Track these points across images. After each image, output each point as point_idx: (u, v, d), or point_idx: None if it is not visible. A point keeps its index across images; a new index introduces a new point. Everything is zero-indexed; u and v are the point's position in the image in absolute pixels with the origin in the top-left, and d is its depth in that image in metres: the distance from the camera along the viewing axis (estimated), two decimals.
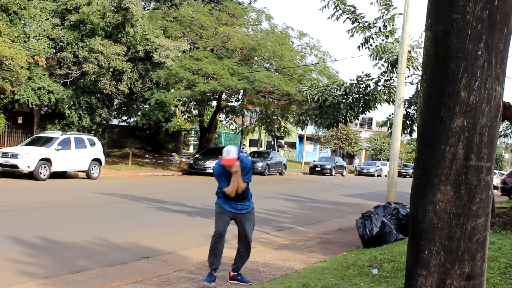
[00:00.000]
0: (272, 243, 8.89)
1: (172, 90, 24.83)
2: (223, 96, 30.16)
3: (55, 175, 19.16)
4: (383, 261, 6.56)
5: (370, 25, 12.01)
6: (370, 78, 12.47)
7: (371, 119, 64.52)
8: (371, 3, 11.85)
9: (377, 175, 41.64)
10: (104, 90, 23.37)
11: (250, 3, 32.13)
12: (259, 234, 9.61)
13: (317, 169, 37.11)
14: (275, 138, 44.24)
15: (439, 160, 1.01)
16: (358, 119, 14.64)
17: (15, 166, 17.64)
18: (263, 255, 7.61)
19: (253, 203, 6.05)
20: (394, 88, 12.03)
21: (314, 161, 41.82)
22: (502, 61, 1.00)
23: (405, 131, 12.57)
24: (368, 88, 12.50)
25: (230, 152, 5.60)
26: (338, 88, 12.65)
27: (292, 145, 55.26)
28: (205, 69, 23.92)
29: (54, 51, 23.86)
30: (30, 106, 22.10)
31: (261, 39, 27.38)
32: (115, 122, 30.57)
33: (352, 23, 12.04)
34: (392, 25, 12.00)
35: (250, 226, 5.95)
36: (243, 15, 29.09)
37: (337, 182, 29.22)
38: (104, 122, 26.22)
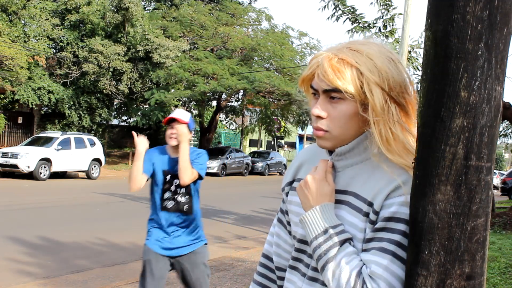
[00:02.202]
0: None
1: (172, 90, 24.85)
2: (223, 96, 30.18)
3: (55, 175, 19.16)
4: None
5: (370, 25, 11.99)
6: None
7: None
8: (371, 3, 11.83)
9: None
10: (104, 90, 23.39)
11: (250, 3, 32.16)
12: (259, 234, 9.61)
13: None
14: (275, 138, 44.25)
15: (439, 160, 1.01)
16: None
17: (15, 166, 17.64)
18: None
19: (203, 234, 3.63)
20: None
21: None
22: (502, 61, 1.01)
23: None
24: None
25: (177, 112, 3.69)
26: None
27: (292, 145, 55.25)
28: (205, 69, 23.93)
29: (54, 51, 23.88)
30: (30, 106, 22.12)
31: (261, 39, 27.40)
32: (115, 122, 30.60)
33: (352, 24, 12.02)
34: (392, 25, 11.98)
35: (198, 276, 3.52)
36: (243, 15, 29.11)
37: None
38: (104, 122, 26.25)
